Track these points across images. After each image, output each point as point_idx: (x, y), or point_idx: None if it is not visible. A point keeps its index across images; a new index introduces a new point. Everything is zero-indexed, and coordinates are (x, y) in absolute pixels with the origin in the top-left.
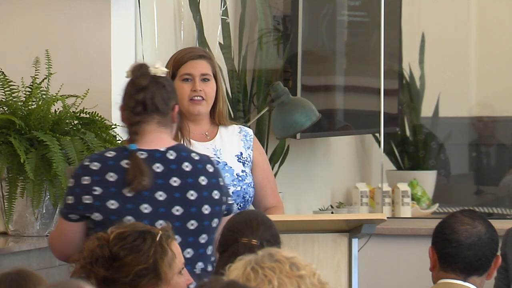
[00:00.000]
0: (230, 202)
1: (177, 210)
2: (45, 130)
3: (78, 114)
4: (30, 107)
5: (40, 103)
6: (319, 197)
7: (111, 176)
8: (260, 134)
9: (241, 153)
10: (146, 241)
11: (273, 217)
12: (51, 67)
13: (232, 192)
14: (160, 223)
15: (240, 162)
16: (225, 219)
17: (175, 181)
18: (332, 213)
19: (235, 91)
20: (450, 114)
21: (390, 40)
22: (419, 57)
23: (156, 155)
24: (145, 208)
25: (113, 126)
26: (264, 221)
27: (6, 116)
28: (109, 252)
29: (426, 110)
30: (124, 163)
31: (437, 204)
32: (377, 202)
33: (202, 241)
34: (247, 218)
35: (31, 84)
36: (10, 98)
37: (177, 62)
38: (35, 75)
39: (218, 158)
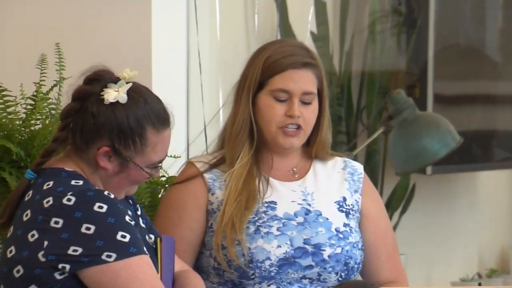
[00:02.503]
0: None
1: None
2: None
3: None
4: (32, 128)
5: (47, 121)
6: (461, 262)
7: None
8: (372, 168)
9: (344, 199)
10: None
11: None
12: (63, 69)
13: (329, 256)
14: None
15: (342, 211)
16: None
17: None
18: (479, 284)
19: (335, 104)
20: None
21: None
22: None
23: None
24: None
25: None
26: None
27: None
28: None
29: None
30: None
31: None
32: None
33: None
34: None
35: (35, 93)
36: (4, 114)
37: (269, 68)
38: (40, 80)
39: (309, 205)
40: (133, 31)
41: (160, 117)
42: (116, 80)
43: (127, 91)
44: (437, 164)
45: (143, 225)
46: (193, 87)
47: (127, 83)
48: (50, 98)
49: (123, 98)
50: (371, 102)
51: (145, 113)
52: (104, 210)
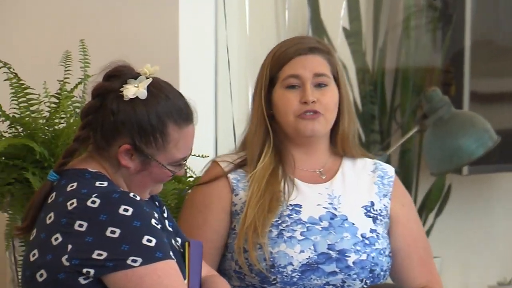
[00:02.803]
0: None
1: None
2: None
3: None
4: (56, 127)
5: (71, 120)
6: (498, 265)
7: None
8: (406, 168)
9: (372, 204)
10: None
11: None
12: (88, 66)
13: (353, 262)
14: None
15: (370, 217)
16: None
17: None
18: None
19: (368, 102)
20: None
21: None
22: None
23: None
24: None
25: None
26: None
27: (21, 141)
28: None
29: None
30: None
31: None
32: None
33: None
34: None
35: (59, 91)
36: (27, 113)
37: (277, 60)
38: (65, 77)
39: (335, 209)
40: (159, 25)
41: (182, 113)
42: (136, 75)
43: (148, 86)
44: (473, 164)
45: (169, 228)
46: (221, 84)
47: (147, 78)
48: (74, 96)
49: (142, 93)
50: (405, 100)
51: (166, 109)
52: (129, 213)
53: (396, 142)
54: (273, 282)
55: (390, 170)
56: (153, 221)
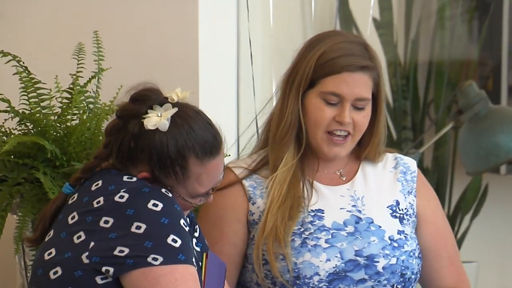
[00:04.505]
0: None
1: None
2: None
3: None
4: (69, 124)
5: (85, 116)
6: None
7: None
8: (441, 167)
9: (398, 203)
10: None
11: None
12: (102, 59)
13: (383, 267)
14: None
15: (396, 217)
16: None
17: None
18: None
19: (400, 97)
20: None
21: None
22: None
23: None
24: None
25: None
26: None
27: (31, 139)
28: None
29: None
30: None
31: None
32: None
33: None
34: None
35: (71, 86)
36: (38, 109)
37: (322, 66)
38: (77, 71)
39: (359, 211)
40: (178, 16)
41: (206, 147)
42: (162, 101)
43: (172, 116)
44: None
45: (197, 248)
46: (243, 78)
47: (173, 106)
48: (87, 91)
49: (163, 125)
50: (439, 95)
51: (188, 142)
52: (158, 208)
53: (429, 139)
54: None
55: (412, 164)
56: (182, 221)
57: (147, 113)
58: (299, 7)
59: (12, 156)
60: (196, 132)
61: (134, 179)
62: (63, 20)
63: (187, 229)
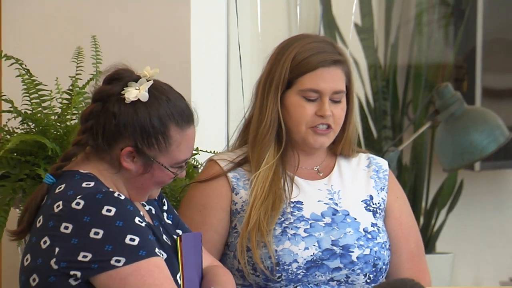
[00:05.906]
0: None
1: None
2: None
3: None
4: (68, 123)
5: None
6: (510, 261)
7: None
8: (418, 164)
9: (371, 197)
10: None
11: None
12: (100, 62)
13: (357, 257)
14: None
15: (370, 211)
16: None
17: None
18: None
19: (380, 98)
20: None
21: None
22: None
23: None
24: None
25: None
26: None
27: (33, 137)
28: None
29: None
30: None
31: None
32: None
33: None
34: None
35: (70, 87)
36: (39, 109)
37: (298, 66)
38: (76, 74)
39: (336, 204)
40: (171, 22)
41: (183, 115)
42: (136, 78)
43: (149, 89)
44: (485, 160)
45: (168, 221)
46: (233, 80)
47: (148, 80)
48: (86, 93)
49: (144, 96)
50: (417, 96)
51: (168, 111)
52: (112, 213)
53: (408, 138)
54: (278, 279)
55: (384, 163)
56: (137, 219)
57: (124, 90)
58: (285, 14)
59: (15, 154)
60: (173, 102)
61: (92, 183)
62: (63, 25)
63: (143, 224)
